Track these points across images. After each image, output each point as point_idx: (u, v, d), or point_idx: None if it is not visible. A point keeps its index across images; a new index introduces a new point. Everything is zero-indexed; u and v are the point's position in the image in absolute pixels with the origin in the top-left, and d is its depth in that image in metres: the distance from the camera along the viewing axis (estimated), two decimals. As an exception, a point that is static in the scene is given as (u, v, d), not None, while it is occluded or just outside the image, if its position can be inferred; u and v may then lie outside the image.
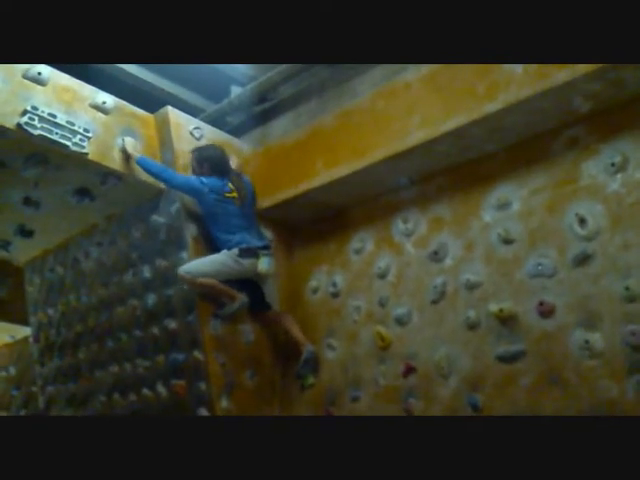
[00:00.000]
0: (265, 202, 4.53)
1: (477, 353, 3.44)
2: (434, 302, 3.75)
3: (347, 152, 4.09)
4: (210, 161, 4.21)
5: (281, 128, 4.98)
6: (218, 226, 4.14)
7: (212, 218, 4.16)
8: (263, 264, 4.10)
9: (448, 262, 3.76)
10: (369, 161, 3.95)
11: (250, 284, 4.24)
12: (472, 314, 3.51)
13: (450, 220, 3.84)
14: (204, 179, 4.12)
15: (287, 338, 4.44)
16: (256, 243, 4.14)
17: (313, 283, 4.54)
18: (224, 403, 4.18)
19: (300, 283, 4.63)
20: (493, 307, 3.40)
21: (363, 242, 4.31)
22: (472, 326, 3.50)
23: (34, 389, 6.09)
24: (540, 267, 3.29)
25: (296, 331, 4.37)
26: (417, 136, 3.71)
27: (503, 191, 3.62)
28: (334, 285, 4.37)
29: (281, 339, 4.50)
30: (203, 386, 4.18)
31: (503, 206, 3.58)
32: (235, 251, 4.05)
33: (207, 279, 4.04)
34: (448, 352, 3.57)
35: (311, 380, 4.30)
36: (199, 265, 4.08)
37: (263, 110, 5.18)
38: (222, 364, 4.16)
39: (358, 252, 4.33)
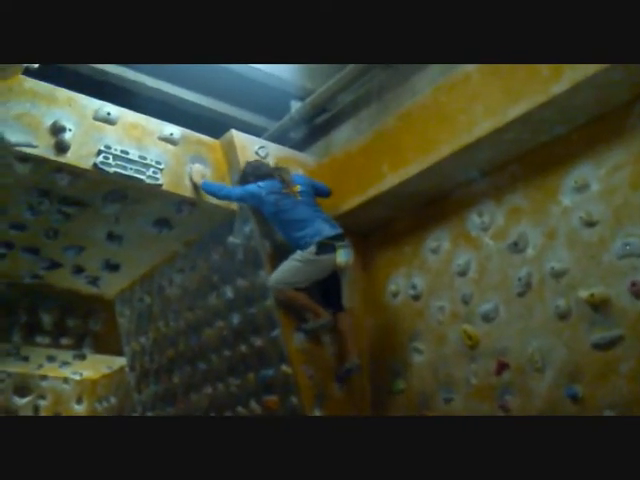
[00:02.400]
0: (336, 211, 4.53)
1: (571, 343, 3.31)
2: (520, 294, 3.63)
3: (413, 152, 4.05)
4: (251, 173, 4.26)
5: (344, 137, 4.99)
6: (288, 226, 4.11)
7: (279, 219, 4.14)
8: (341, 256, 3.98)
9: (530, 252, 3.64)
10: (436, 158, 3.89)
11: (327, 281, 4.15)
12: (562, 303, 3.38)
13: (527, 208, 3.72)
14: (260, 183, 4.16)
15: (339, 340, 4.31)
16: (329, 232, 4.02)
17: (392, 287, 4.50)
18: (317, 414, 4.20)
19: (379, 289, 4.60)
20: (583, 293, 3.26)
21: (439, 241, 4.24)
22: (563, 315, 3.37)
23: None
24: (628, 247, 3.13)
25: (349, 339, 4.24)
26: (483, 127, 3.62)
27: (580, 172, 3.48)
28: (414, 287, 4.31)
29: (361, 347, 4.44)
30: (294, 399, 4.22)
31: (582, 188, 3.44)
32: (312, 249, 3.96)
33: (290, 291, 4.06)
34: (540, 345, 3.45)
35: (401, 385, 4.26)
36: (282, 275, 4.08)
37: (324, 121, 5.21)
38: (310, 376, 4.19)
39: (435, 251, 4.26)
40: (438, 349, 4.08)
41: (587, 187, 3.42)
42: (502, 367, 3.62)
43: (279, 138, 5.16)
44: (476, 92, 3.69)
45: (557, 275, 3.44)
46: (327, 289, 4.21)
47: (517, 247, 3.69)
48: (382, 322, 4.54)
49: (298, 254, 4.04)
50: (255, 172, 4.26)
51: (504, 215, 3.85)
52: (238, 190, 4.24)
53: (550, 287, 3.47)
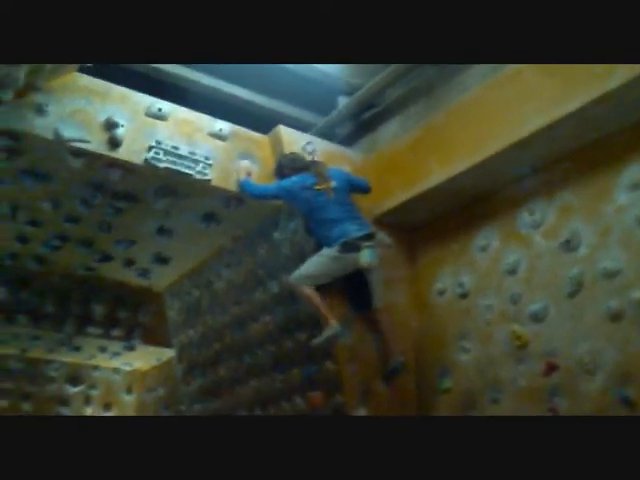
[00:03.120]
0: (382, 207, 4.52)
1: (623, 345, 3.22)
2: (571, 295, 3.55)
3: (461, 148, 3.99)
4: (286, 166, 4.23)
5: (391, 133, 4.95)
6: (318, 224, 4.07)
7: (311, 217, 4.11)
8: (365, 257, 3.91)
9: (582, 251, 3.55)
10: (485, 154, 3.84)
11: (355, 280, 4.09)
12: (614, 304, 3.29)
13: (580, 206, 3.63)
14: (294, 177, 4.14)
15: (380, 339, 4.24)
16: (356, 233, 3.95)
17: (439, 285, 4.45)
18: (361, 412, 4.20)
19: (425, 286, 4.56)
20: (637, 294, 3.16)
21: (488, 239, 4.18)
22: (615, 317, 3.28)
23: (182, 408, 6.43)
24: (687, 247, 3.02)
25: (389, 338, 4.18)
26: (535, 123, 3.55)
27: (635, 170, 3.37)
28: (461, 286, 4.26)
29: (407, 345, 4.41)
30: (339, 396, 4.22)
31: (637, 186, 3.34)
32: (336, 247, 3.93)
33: (307, 289, 4.00)
34: (591, 346, 3.37)
35: (447, 384, 4.21)
36: (305, 269, 4.05)
37: (372, 117, 5.19)
38: (355, 373, 4.18)
39: (484, 249, 4.19)
40: (485, 349, 4.02)
41: (643, 185, 3.31)
42: (551, 368, 3.55)
43: (326, 134, 5.17)
44: (527, 88, 3.62)
45: (610, 275, 3.35)
46: (357, 289, 4.14)
47: (569, 246, 3.61)
48: (428, 320, 4.50)
49: (324, 250, 4.02)
50: (290, 165, 4.22)
51: (556, 213, 3.76)
52: (272, 187, 4.22)
53: (602, 287, 3.38)
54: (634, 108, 3.30)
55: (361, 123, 5.28)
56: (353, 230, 3.97)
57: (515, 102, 3.67)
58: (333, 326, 3.92)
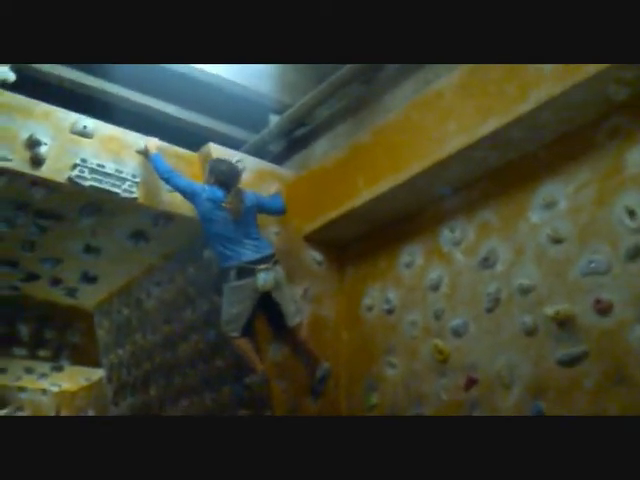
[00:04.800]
0: (312, 225, 4.58)
1: (537, 359, 3.34)
2: (489, 310, 3.67)
3: (386, 167, 4.09)
4: (217, 174, 4.21)
5: (321, 151, 5.03)
6: (213, 238, 4.11)
7: (207, 228, 4.13)
8: (259, 281, 4.01)
9: (499, 268, 3.68)
10: (409, 174, 3.94)
11: (267, 302, 4.15)
12: (528, 319, 3.42)
13: (497, 225, 3.77)
14: (207, 186, 4.15)
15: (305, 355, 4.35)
16: (250, 257, 4.03)
17: (367, 301, 4.53)
18: (290, 429, 4.21)
19: (354, 302, 4.63)
20: (549, 310, 3.30)
21: (412, 255, 4.28)
22: (530, 332, 3.41)
23: (113, 428, 6.28)
24: (593, 264, 3.17)
25: (311, 347, 4.32)
26: (454, 144, 3.67)
27: (548, 190, 3.52)
28: (388, 302, 4.35)
29: (337, 361, 4.48)
30: (269, 413, 4.22)
31: (550, 205, 3.49)
32: (232, 276, 4.03)
33: (237, 340, 4.12)
34: (508, 360, 3.48)
35: (374, 400, 4.28)
36: (224, 316, 4.14)
37: (303, 135, 5.26)
38: (284, 390, 4.20)
39: (408, 266, 4.30)
40: (411, 363, 4.11)
41: (555, 204, 3.47)
42: (471, 383, 3.65)
43: (257, 151, 5.20)
44: (448, 109, 3.74)
45: (525, 291, 3.48)
46: (271, 311, 4.20)
47: (487, 262, 3.73)
48: (358, 336, 4.57)
49: (224, 288, 4.10)
50: (218, 176, 4.18)
51: (475, 231, 3.89)
52: (183, 182, 4.16)
53: (518, 303, 3.51)
54: (546, 130, 3.45)
55: (292, 141, 5.34)
56: (247, 254, 4.04)
57: (436, 123, 3.79)
58: (258, 374, 4.11)
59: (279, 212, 4.49)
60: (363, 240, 4.67)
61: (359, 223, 4.50)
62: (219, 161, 4.31)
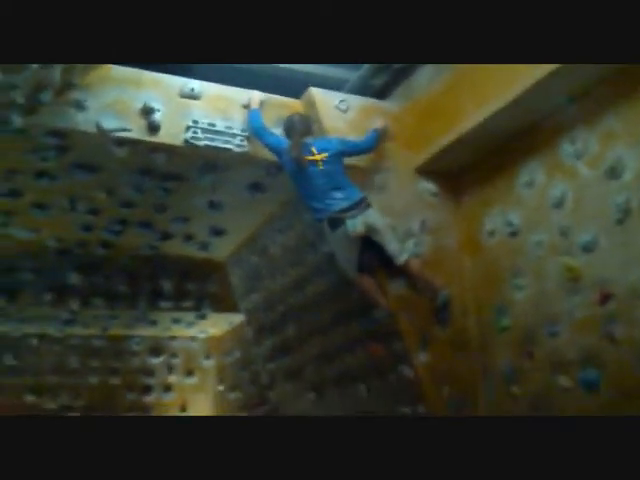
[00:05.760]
0: (422, 156, 4.50)
1: (676, 268, 3.16)
2: (619, 222, 3.48)
3: (495, 86, 3.91)
4: (284, 129, 4.27)
5: (424, 78, 4.84)
6: (302, 191, 4.18)
7: (297, 183, 4.19)
8: (349, 227, 4.03)
9: (627, 176, 3.46)
10: (520, 89, 3.73)
11: (371, 244, 4.18)
12: (663, 228, 3.22)
13: (622, 132, 3.52)
14: (289, 141, 4.18)
15: (421, 285, 4.34)
16: (337, 207, 4.05)
17: (488, 226, 4.43)
18: (422, 357, 4.30)
19: (475, 229, 4.55)
20: (686, 216, 3.08)
21: (532, 174, 4.11)
22: (666, 240, 3.21)
23: (257, 367, 6.72)
24: None
25: (428, 276, 4.29)
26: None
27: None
28: (510, 224, 4.23)
29: (462, 287, 4.46)
30: (399, 345, 4.33)
31: (681, 103, 3.20)
32: (326, 227, 4.12)
33: (359, 279, 4.24)
34: (644, 272, 3.32)
35: (505, 323, 4.25)
36: (339, 259, 4.28)
37: (404, 65, 5.10)
38: (411, 321, 4.27)
39: (529, 185, 4.14)
40: (539, 284, 4.01)
41: (686, 101, 3.18)
42: (606, 297, 3.52)
43: (360, 89, 5.11)
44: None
45: (657, 199, 3.26)
46: (379, 253, 4.21)
47: (613, 173, 3.52)
48: (481, 262, 4.51)
49: (328, 237, 4.21)
50: (285, 129, 4.26)
51: (598, 141, 3.66)
52: (269, 139, 4.23)
53: (651, 212, 3.31)
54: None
55: (394, 72, 5.19)
56: (334, 204, 4.06)
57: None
58: (383, 308, 4.30)
59: (369, 151, 4.44)
60: (477, 165, 4.53)
61: (471, 148, 4.37)
62: (287, 118, 4.34)
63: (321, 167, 4.10)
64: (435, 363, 4.32)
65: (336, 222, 4.08)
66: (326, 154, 4.13)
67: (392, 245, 4.20)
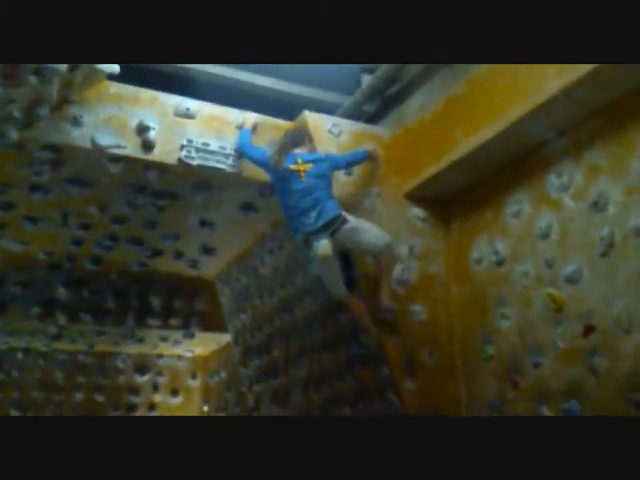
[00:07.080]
0: (412, 182, 4.56)
1: (658, 301, 3.20)
2: (603, 254, 3.53)
3: (484, 116, 3.99)
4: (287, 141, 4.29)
5: (416, 106, 4.96)
6: (285, 209, 4.19)
7: (280, 194, 4.20)
8: (316, 250, 4.00)
9: (611, 210, 3.52)
10: (509, 121, 3.82)
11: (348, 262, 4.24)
12: (646, 261, 3.26)
13: (607, 166, 3.59)
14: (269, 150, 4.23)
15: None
16: (307, 228, 4.02)
17: (475, 254, 4.48)
18: (408, 384, 4.31)
19: (462, 256, 4.59)
20: (668, 250, 3.14)
21: (519, 204, 4.17)
22: (648, 274, 3.26)
23: (243, 389, 6.69)
24: None
25: (384, 286, 4.25)
26: (555, 85, 3.51)
27: (661, 123, 3.31)
28: (496, 253, 4.28)
29: (449, 314, 4.50)
30: (386, 370, 4.34)
31: (663, 139, 3.28)
32: (302, 246, 4.18)
33: (348, 300, 4.26)
34: (627, 305, 3.36)
35: (490, 351, 4.27)
36: (323, 279, 4.27)
37: (396, 92, 5.20)
38: (398, 345, 4.28)
39: (516, 215, 4.19)
40: (524, 314, 4.04)
41: (669, 138, 3.25)
42: (589, 329, 3.55)
43: (352, 113, 5.22)
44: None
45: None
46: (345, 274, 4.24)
47: (597, 206, 3.58)
48: (468, 289, 4.54)
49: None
50: (291, 141, 4.27)
51: (583, 174, 3.73)
52: (253, 152, 4.28)
53: (633, 245, 3.35)
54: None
55: (386, 99, 5.29)
56: (305, 224, 4.03)
57: (534, 66, 3.64)
58: (371, 333, 4.31)
59: (362, 160, 4.44)
60: (466, 193, 4.60)
61: (460, 176, 4.44)
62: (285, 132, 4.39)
63: (303, 179, 4.06)
64: (420, 390, 4.32)
65: (307, 243, 4.09)
66: (310, 164, 4.10)
67: (369, 237, 4.15)
